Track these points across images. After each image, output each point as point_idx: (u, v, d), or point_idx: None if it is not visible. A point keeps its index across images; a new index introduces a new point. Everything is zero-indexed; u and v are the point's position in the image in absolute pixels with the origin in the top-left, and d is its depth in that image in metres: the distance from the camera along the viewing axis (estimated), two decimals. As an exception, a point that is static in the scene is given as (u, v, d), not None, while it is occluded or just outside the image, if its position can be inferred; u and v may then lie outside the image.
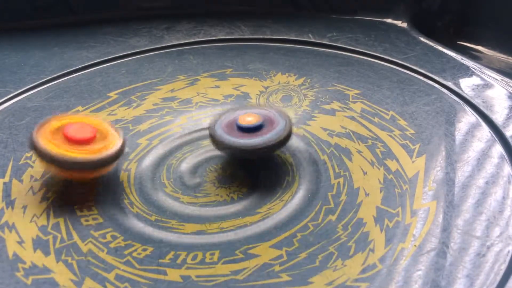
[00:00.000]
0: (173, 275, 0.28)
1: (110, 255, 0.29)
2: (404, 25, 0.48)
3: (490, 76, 0.41)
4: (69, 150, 0.30)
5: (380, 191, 0.32)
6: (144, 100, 0.40)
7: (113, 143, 0.31)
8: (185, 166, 0.34)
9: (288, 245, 0.29)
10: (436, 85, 0.40)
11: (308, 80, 0.41)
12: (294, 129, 0.36)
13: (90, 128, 0.31)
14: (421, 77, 0.41)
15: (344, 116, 0.37)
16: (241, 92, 0.40)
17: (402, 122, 0.37)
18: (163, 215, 0.31)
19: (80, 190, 0.33)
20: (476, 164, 0.33)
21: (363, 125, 0.37)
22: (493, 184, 0.32)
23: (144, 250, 0.29)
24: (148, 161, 0.35)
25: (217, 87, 0.41)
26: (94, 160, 0.30)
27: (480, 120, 0.37)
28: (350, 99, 0.39)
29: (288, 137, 0.32)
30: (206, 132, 0.36)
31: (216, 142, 0.32)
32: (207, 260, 0.29)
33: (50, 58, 0.45)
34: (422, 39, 0.46)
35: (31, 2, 0.49)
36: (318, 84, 0.41)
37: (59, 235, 0.30)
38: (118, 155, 0.31)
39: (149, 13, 0.50)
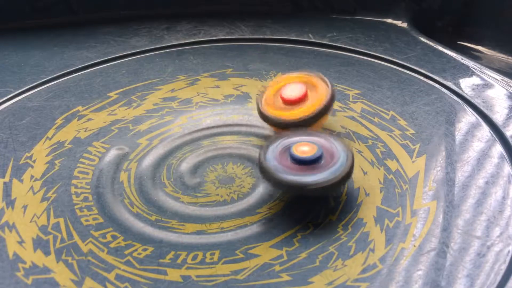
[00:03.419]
0: (173, 275, 0.28)
1: (110, 255, 0.29)
2: (404, 25, 0.48)
3: (490, 76, 0.41)
4: (287, 111, 0.33)
5: (380, 191, 0.32)
6: (144, 100, 0.40)
7: (323, 95, 0.33)
8: (185, 166, 0.34)
9: (288, 245, 0.29)
10: (436, 85, 0.40)
11: (308, 80, 0.41)
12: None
13: (301, 87, 0.33)
14: (421, 77, 0.41)
15: (345, 116, 0.37)
16: (241, 92, 0.40)
17: (402, 122, 0.37)
18: (163, 215, 0.31)
19: (81, 190, 0.33)
20: (476, 164, 0.33)
21: (363, 125, 0.37)
22: (493, 184, 0.32)
23: (144, 250, 0.29)
24: (148, 161, 0.35)
25: (217, 87, 0.41)
26: (309, 117, 0.32)
27: (480, 120, 0.37)
28: (350, 99, 0.39)
29: (349, 174, 0.30)
30: (206, 132, 0.37)
31: (269, 177, 0.30)
32: (207, 260, 0.29)
33: (50, 58, 0.45)
34: (422, 39, 0.46)
35: (31, 2, 0.49)
36: (318, 84, 0.41)
37: (59, 235, 0.30)
38: (328, 106, 0.33)
39: (149, 13, 0.50)
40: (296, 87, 0.33)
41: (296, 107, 0.33)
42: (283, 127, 0.33)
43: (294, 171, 0.29)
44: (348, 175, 0.29)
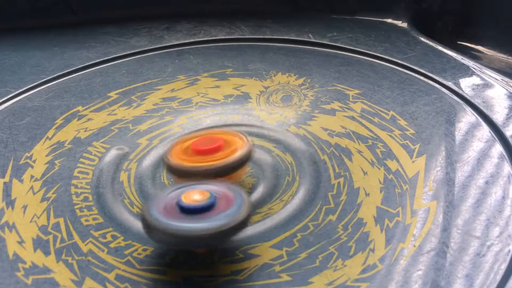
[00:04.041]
0: (174, 275, 0.28)
1: (110, 255, 0.29)
2: (404, 25, 0.48)
3: (490, 76, 0.41)
4: (198, 161, 0.30)
5: (380, 191, 0.32)
6: (144, 100, 0.40)
7: (240, 148, 0.30)
8: (185, 166, 0.34)
9: (288, 245, 0.29)
10: (436, 85, 0.40)
11: (308, 80, 0.41)
12: (295, 129, 0.36)
13: (214, 139, 0.31)
14: (421, 77, 0.41)
15: (344, 116, 0.37)
16: (241, 92, 0.40)
17: (402, 122, 0.37)
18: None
19: (81, 190, 0.33)
20: (476, 164, 0.33)
21: (363, 125, 0.37)
22: (493, 184, 0.32)
23: (144, 250, 0.29)
24: (148, 161, 0.35)
25: (217, 87, 0.41)
26: (218, 166, 0.29)
27: (480, 120, 0.37)
28: (350, 99, 0.39)
29: (245, 221, 0.26)
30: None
31: (148, 227, 0.26)
32: (207, 260, 0.29)
33: (50, 58, 0.45)
34: (422, 39, 0.46)
35: (31, 2, 0.49)
36: (318, 84, 0.41)
37: (59, 235, 0.30)
38: (245, 158, 0.30)
39: (149, 13, 0.50)
40: (208, 139, 0.31)
41: (205, 158, 0.30)
42: (187, 175, 0.30)
43: (180, 220, 0.26)
44: (238, 226, 0.26)
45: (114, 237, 0.30)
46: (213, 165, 0.29)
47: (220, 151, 0.30)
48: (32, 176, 0.34)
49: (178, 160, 0.30)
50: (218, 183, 0.28)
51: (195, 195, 0.27)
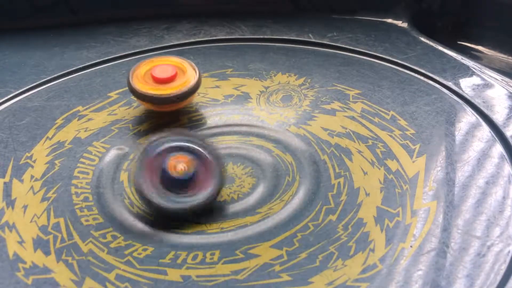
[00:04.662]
0: (174, 275, 0.28)
1: (110, 255, 0.29)
2: (404, 25, 0.48)
3: (490, 76, 0.41)
4: (156, 88, 0.36)
5: (381, 191, 0.32)
6: (144, 100, 0.40)
7: (190, 79, 0.37)
8: (185, 166, 0.34)
9: (288, 245, 0.29)
10: (437, 85, 0.40)
11: (309, 80, 0.41)
12: (295, 129, 0.36)
13: (171, 68, 0.37)
14: (421, 77, 0.41)
15: (345, 116, 0.37)
16: (242, 92, 0.40)
17: (402, 122, 0.37)
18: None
19: (81, 190, 0.33)
20: (476, 164, 0.33)
21: (364, 125, 0.37)
22: (493, 184, 0.32)
23: (145, 250, 0.29)
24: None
25: (218, 87, 0.41)
26: (176, 95, 0.36)
27: (481, 120, 0.37)
28: (351, 99, 0.39)
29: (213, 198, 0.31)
30: (206, 132, 0.37)
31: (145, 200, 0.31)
32: (207, 260, 0.29)
33: (50, 58, 0.45)
34: (422, 39, 0.46)
35: (31, 2, 0.49)
36: (318, 84, 0.41)
37: (59, 235, 0.30)
38: (195, 89, 0.37)
39: (149, 13, 0.50)
40: (166, 68, 0.37)
41: (164, 86, 0.36)
42: (149, 101, 0.36)
43: (165, 191, 0.30)
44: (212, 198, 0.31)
45: (114, 237, 0.30)
46: (169, 94, 0.36)
47: (175, 80, 0.36)
48: (32, 176, 0.34)
49: (140, 84, 0.36)
50: (202, 145, 0.32)
51: (179, 164, 0.30)
